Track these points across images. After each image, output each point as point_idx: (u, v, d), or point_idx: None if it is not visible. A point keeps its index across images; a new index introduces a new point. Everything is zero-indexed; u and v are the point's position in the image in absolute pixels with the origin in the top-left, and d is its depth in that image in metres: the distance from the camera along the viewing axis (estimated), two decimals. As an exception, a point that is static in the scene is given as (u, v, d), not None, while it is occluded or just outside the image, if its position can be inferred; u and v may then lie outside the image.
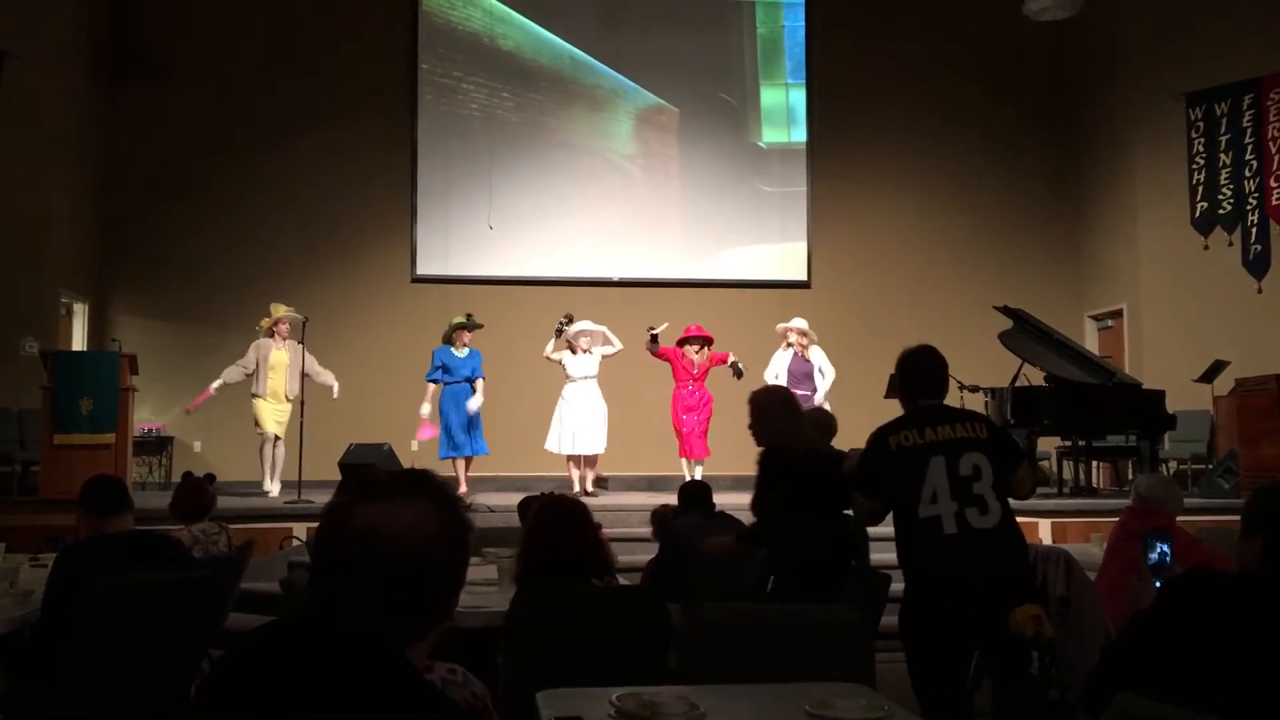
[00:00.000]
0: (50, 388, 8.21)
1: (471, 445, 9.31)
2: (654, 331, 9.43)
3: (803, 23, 13.25)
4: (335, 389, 9.26)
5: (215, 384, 9.17)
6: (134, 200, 12.04)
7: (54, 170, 10.88)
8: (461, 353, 9.41)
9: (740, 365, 9.37)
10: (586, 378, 9.31)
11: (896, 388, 3.77)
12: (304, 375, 9.11)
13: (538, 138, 12.78)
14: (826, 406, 9.31)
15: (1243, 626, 2.05)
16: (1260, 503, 2.29)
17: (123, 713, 3.60)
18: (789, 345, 9.47)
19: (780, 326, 9.62)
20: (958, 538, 3.35)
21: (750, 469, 4.71)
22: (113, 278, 12.03)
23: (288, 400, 9.14)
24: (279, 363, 9.13)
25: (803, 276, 12.95)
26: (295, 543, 7.77)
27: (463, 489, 9.08)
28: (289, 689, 1.35)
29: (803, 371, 9.37)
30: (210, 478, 5.57)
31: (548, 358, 9.42)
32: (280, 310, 9.30)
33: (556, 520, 3.58)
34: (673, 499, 6.04)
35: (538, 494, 5.79)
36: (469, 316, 9.60)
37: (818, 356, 9.46)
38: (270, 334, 9.24)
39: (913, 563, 3.51)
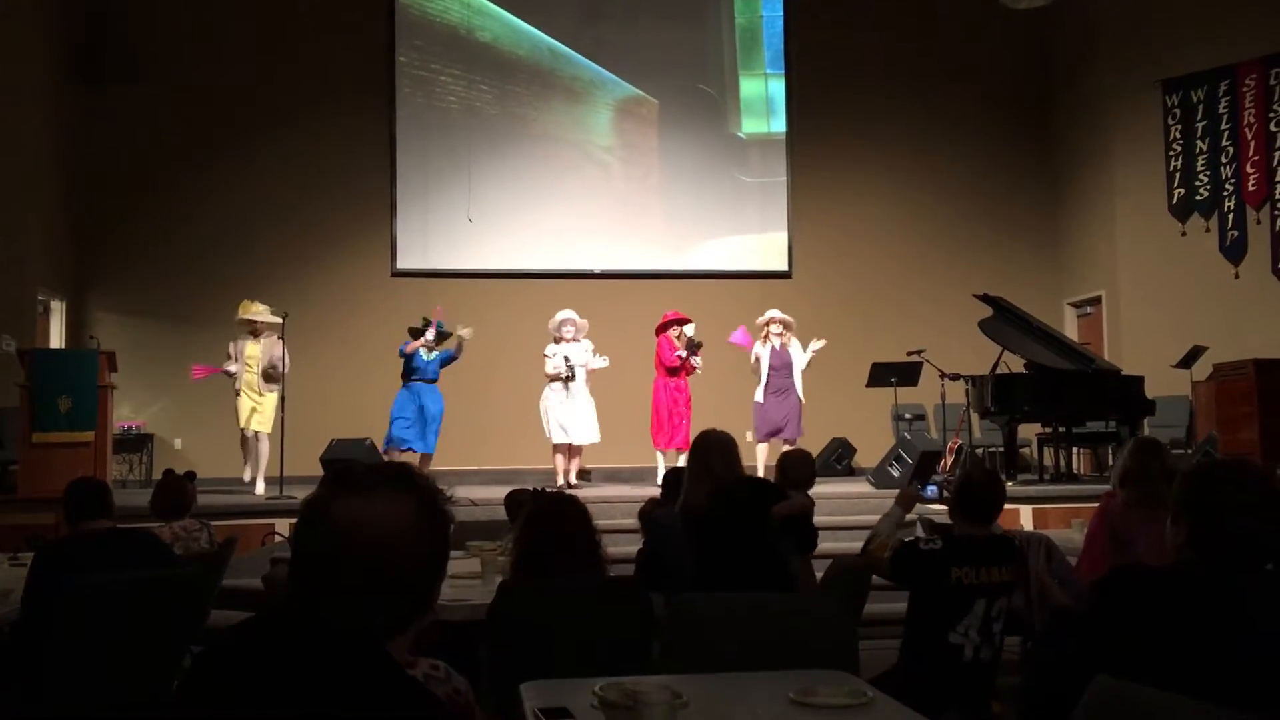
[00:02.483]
0: (28, 386, 8.14)
1: (423, 442, 9.31)
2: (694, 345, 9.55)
3: (781, 13, 13.26)
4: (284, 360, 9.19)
5: (228, 367, 9.13)
6: (111, 197, 11.96)
7: (29, 168, 10.78)
8: (429, 355, 9.45)
9: (693, 342, 9.49)
10: (576, 365, 9.33)
11: (953, 500, 4.04)
12: (283, 373, 9.07)
13: (516, 130, 12.75)
14: (801, 392, 9.38)
15: (1172, 618, 2.08)
16: (1186, 488, 2.29)
17: (105, 711, 3.58)
18: (769, 338, 9.51)
19: (760, 320, 9.65)
20: (970, 665, 3.76)
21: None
22: (90, 275, 11.95)
23: (263, 393, 9.08)
24: (251, 356, 9.10)
25: (784, 267, 12.97)
26: (277, 538, 7.74)
27: None
28: (270, 685, 1.35)
29: (782, 362, 9.43)
30: (191, 475, 5.53)
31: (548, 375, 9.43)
32: (249, 310, 9.26)
33: (558, 514, 3.57)
34: (655, 491, 6.04)
35: (527, 487, 5.79)
36: (424, 320, 9.58)
37: (796, 348, 9.51)
38: (253, 333, 9.22)
39: (921, 667, 3.83)
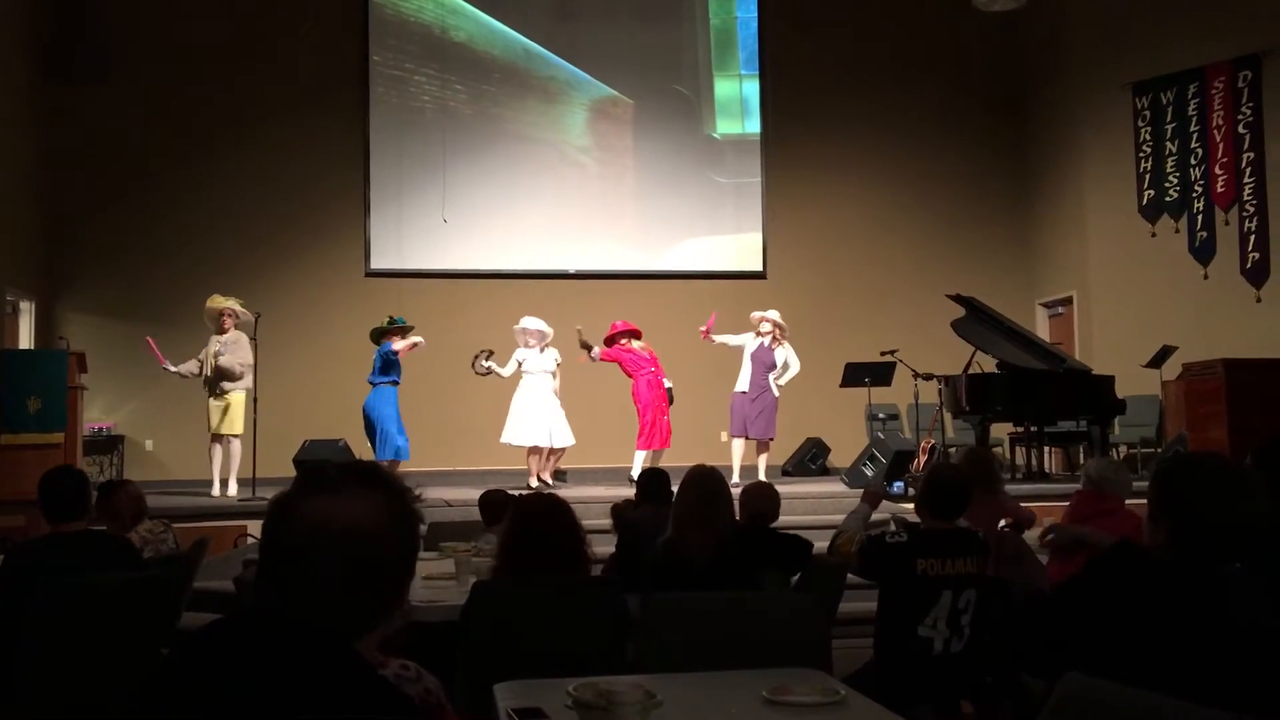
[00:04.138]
0: (-4, 387, 8.05)
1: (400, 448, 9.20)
2: (583, 341, 9.57)
3: (755, 14, 13.29)
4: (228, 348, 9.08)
5: (168, 366, 8.98)
6: (81, 196, 11.84)
7: (-3, 166, 10.67)
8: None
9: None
10: (543, 371, 9.31)
11: (921, 496, 4.05)
12: (254, 368, 8.99)
13: (491, 130, 12.72)
14: (776, 390, 9.38)
15: (1156, 609, 2.10)
16: (1167, 483, 2.28)
17: (77, 714, 3.55)
18: (761, 334, 9.46)
19: (755, 315, 9.60)
20: (941, 658, 3.79)
21: (708, 458, 4.74)
22: (60, 275, 11.83)
23: (228, 392, 8.91)
24: (208, 354, 8.98)
25: (758, 267, 13.01)
26: (250, 540, 7.69)
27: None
28: (238, 685, 1.34)
29: (768, 361, 9.41)
30: (125, 480, 5.50)
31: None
32: (219, 302, 9.13)
33: (544, 514, 3.57)
34: (629, 491, 6.02)
35: (502, 488, 5.79)
36: (392, 319, 9.48)
37: (785, 351, 9.50)
38: (220, 328, 9.08)
39: (894, 662, 3.84)
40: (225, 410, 8.94)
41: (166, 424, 11.45)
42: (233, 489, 8.99)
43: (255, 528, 7.83)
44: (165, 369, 9.04)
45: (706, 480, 4.03)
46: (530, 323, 9.43)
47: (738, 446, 9.50)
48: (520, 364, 9.35)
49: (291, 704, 1.32)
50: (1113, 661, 2.06)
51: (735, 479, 9.08)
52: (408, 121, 12.61)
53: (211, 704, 1.34)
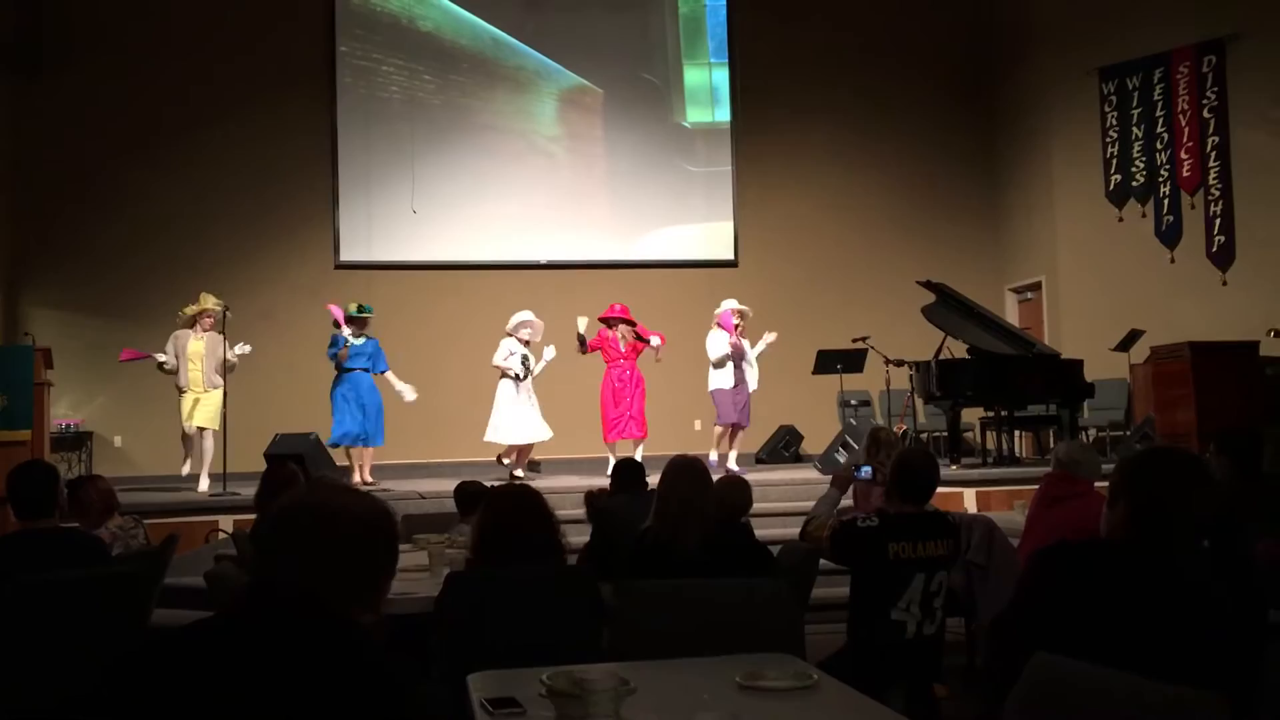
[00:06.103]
0: (-39, 384, 7.95)
1: (372, 436, 9.12)
2: (580, 333, 9.45)
3: (723, 1, 13.27)
4: (245, 348, 9.04)
5: (158, 356, 8.95)
6: (45, 190, 11.69)
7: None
8: (358, 340, 9.20)
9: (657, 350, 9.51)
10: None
11: (890, 481, 4.08)
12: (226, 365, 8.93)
13: (460, 120, 12.66)
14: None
15: (1111, 591, 2.16)
16: (1125, 472, 2.37)
17: (48, 711, 3.52)
18: (735, 325, 9.45)
19: (719, 310, 9.58)
20: (913, 642, 3.85)
21: (681, 448, 4.75)
22: (24, 270, 11.68)
23: (209, 390, 8.93)
24: (195, 354, 8.92)
25: (730, 255, 13.01)
26: (221, 535, 7.63)
27: (357, 478, 8.92)
28: (241, 661, 1.56)
29: (739, 352, 9.42)
30: (95, 475, 5.46)
31: (496, 366, 9.28)
32: (209, 301, 9.10)
33: (518, 504, 3.56)
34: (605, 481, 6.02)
35: (477, 479, 5.77)
36: (360, 307, 9.35)
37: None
38: (192, 324, 9.03)
39: (867, 646, 3.89)
40: (196, 401, 8.90)
41: (135, 420, 11.34)
42: (204, 484, 8.92)
43: (226, 523, 7.78)
44: (156, 359, 8.98)
45: (694, 470, 3.94)
46: (529, 316, 9.32)
47: (717, 435, 9.57)
48: (525, 359, 9.22)
49: (295, 673, 1.54)
50: (1075, 643, 2.09)
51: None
52: (376, 112, 12.52)
53: (217, 682, 1.55)
